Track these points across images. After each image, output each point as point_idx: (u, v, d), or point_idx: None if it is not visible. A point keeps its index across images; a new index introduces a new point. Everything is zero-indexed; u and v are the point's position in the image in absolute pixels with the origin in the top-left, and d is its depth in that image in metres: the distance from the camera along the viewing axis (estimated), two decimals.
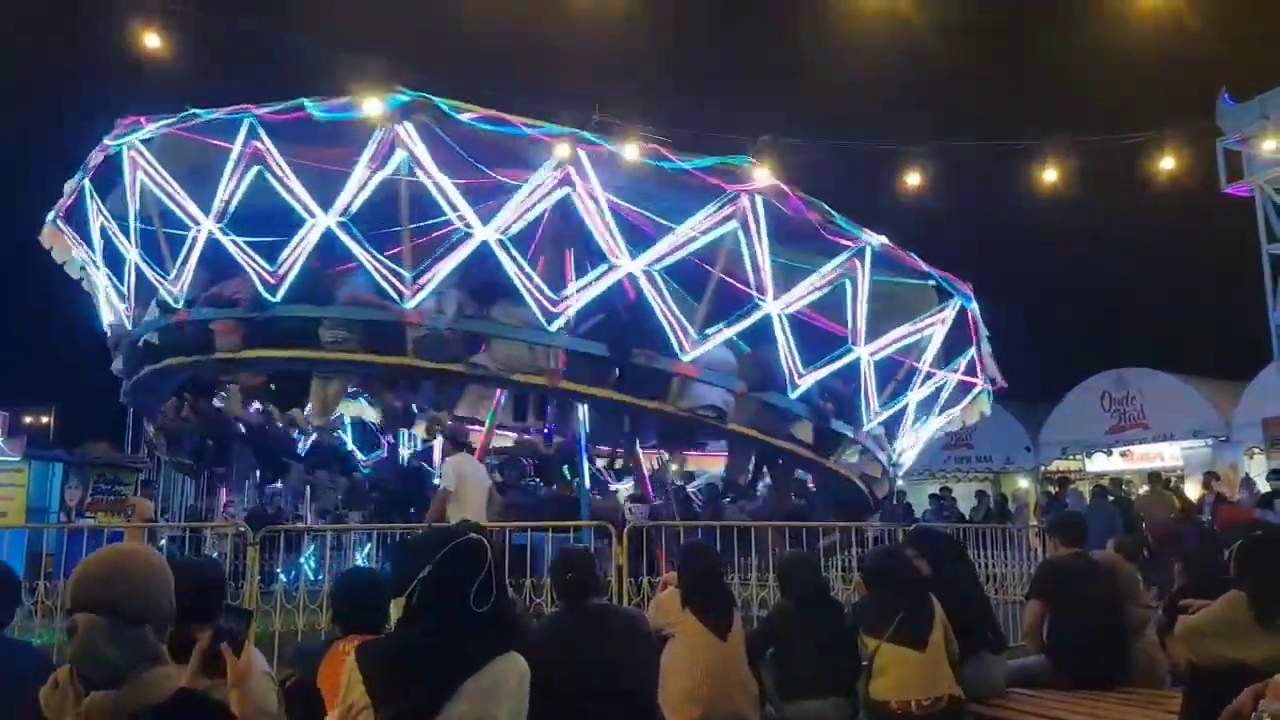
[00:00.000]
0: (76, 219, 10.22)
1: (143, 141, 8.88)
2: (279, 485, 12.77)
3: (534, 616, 5.31)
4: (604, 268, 8.68)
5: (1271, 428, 17.19)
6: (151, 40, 10.42)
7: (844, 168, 17.05)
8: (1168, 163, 14.87)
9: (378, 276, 8.22)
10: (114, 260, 9.91)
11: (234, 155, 8.22)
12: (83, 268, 10.81)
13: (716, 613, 4.46)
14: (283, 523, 10.61)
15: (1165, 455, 20.34)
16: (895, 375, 9.89)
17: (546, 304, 8.35)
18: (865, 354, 9.37)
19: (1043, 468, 21.93)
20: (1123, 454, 21.11)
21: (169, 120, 8.59)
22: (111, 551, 2.22)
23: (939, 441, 15.73)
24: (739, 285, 8.76)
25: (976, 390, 11.07)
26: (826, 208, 8.82)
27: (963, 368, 10.50)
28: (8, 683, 3.02)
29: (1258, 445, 17.79)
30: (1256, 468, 16.62)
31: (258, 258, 8.43)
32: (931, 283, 9.92)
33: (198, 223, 8.59)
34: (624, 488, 12.30)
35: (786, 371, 8.93)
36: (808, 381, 9.06)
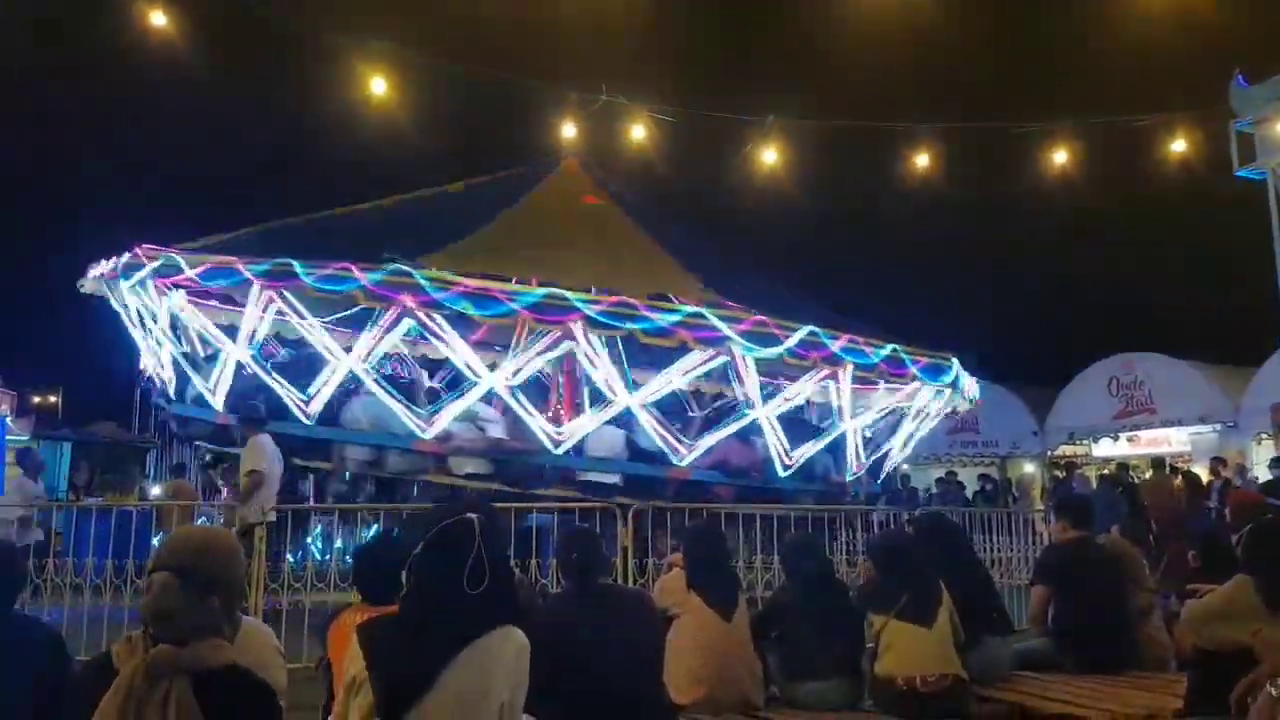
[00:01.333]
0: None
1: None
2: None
3: (539, 596, 5.32)
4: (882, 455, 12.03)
5: None
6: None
7: (850, 148, 16.98)
8: (1180, 145, 14.72)
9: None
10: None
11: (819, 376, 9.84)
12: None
13: (721, 594, 4.46)
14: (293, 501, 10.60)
15: (1172, 441, 20.23)
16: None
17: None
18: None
19: (1049, 453, 21.88)
20: (1130, 439, 21.01)
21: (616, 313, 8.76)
22: (199, 528, 2.58)
23: (944, 426, 15.73)
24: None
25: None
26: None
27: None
28: (19, 654, 3.06)
29: (1266, 431, 17.67)
30: (1265, 454, 16.53)
31: (786, 445, 10.03)
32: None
33: (749, 406, 9.81)
34: None
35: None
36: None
